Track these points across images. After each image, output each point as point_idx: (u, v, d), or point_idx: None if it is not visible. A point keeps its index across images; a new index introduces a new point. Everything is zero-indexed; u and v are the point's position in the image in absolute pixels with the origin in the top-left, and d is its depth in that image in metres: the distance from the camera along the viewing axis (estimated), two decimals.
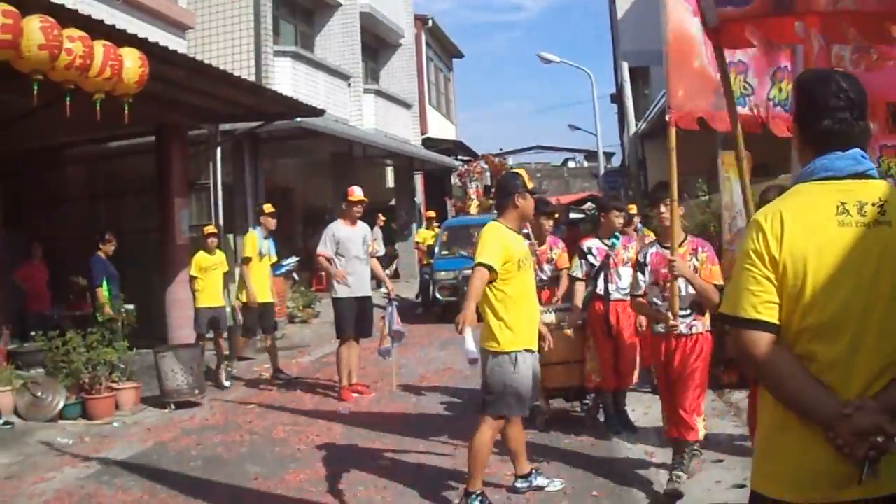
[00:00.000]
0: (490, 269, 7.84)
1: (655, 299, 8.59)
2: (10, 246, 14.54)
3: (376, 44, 35.98)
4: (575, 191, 62.46)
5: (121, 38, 11.31)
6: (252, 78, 22.25)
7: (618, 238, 10.98)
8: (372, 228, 22.93)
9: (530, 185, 8.36)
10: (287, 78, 24.52)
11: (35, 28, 9.64)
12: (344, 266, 13.34)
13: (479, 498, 7.91)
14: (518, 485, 8.50)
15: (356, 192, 13.79)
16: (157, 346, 13.86)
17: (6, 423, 11.65)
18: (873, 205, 3.30)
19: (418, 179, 38.77)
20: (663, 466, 9.01)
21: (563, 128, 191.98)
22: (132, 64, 11.18)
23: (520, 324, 7.98)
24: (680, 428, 8.39)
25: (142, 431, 11.89)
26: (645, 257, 8.76)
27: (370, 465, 9.72)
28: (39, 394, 12.13)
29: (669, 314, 8.11)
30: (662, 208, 8.56)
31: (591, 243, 11.07)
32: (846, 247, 3.27)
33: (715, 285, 8.12)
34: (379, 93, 33.09)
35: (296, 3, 29.16)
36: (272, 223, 15.65)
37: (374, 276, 14.38)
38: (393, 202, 36.31)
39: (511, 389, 7.89)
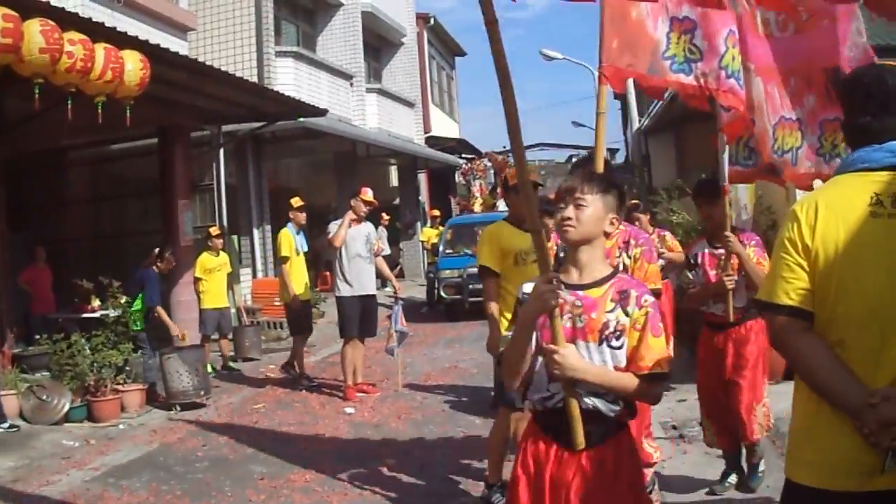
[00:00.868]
0: (485, 269, 8.03)
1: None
2: (14, 249, 14.53)
3: (378, 43, 35.96)
4: None
5: (122, 40, 11.33)
6: (254, 79, 22.26)
7: None
8: (377, 228, 23.02)
9: (533, 178, 8.29)
10: (289, 78, 24.52)
11: (35, 31, 9.66)
12: (347, 264, 13.33)
13: (500, 489, 7.93)
14: None
15: (369, 193, 13.82)
16: (162, 347, 13.84)
17: (12, 426, 11.65)
18: None
19: (422, 178, 38.79)
20: (669, 461, 9.01)
21: (567, 125, 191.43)
22: (133, 66, 11.20)
23: None
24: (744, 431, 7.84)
25: (147, 433, 11.89)
26: (696, 258, 8.08)
27: (376, 465, 9.72)
28: (45, 397, 12.13)
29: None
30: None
31: None
32: (878, 238, 3.27)
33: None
34: (381, 92, 33.08)
35: (297, 3, 29.16)
36: (302, 217, 15.45)
37: (379, 276, 14.38)
38: (397, 201, 36.30)
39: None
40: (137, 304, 13.93)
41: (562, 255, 9.29)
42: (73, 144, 19.46)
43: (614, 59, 6.34)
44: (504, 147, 50.12)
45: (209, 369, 15.27)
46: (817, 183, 6.88)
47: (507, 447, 8.10)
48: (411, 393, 13.70)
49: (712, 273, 7.87)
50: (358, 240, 13.51)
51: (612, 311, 4.24)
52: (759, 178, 8.34)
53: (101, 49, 10.66)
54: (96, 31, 10.90)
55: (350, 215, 13.31)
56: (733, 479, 8.09)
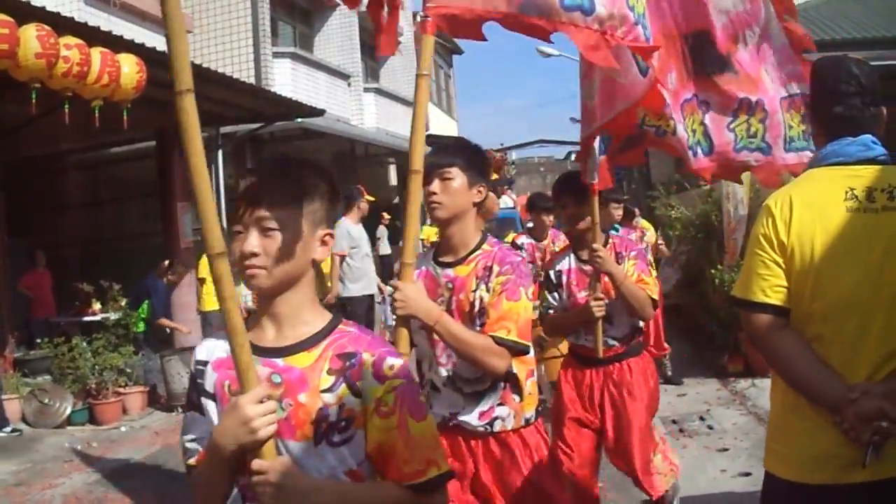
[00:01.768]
0: None
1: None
2: (14, 254, 14.56)
3: (375, 42, 35.90)
4: None
5: (118, 44, 11.35)
6: (252, 80, 22.25)
7: (617, 230, 10.96)
8: (377, 227, 22.91)
9: (494, 177, 8.11)
10: (287, 79, 24.52)
11: (31, 37, 9.69)
12: (357, 263, 13.32)
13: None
14: None
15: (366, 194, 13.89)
16: (163, 350, 13.87)
17: (14, 430, 11.69)
18: (882, 190, 3.33)
19: None
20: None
21: (565, 121, 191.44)
22: (130, 69, 11.22)
23: None
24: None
25: (149, 435, 11.93)
26: (558, 275, 6.45)
27: None
28: (47, 400, 12.18)
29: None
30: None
31: None
32: (853, 232, 3.31)
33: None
34: (379, 91, 33.06)
35: (294, 3, 29.12)
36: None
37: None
38: (396, 200, 36.32)
39: None
40: (143, 311, 13.98)
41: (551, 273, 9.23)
42: (72, 148, 19.46)
43: None
44: (502, 144, 50.13)
45: None
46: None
47: None
48: None
49: (580, 295, 6.22)
50: (365, 238, 13.55)
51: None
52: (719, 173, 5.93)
53: (97, 53, 10.69)
54: (92, 36, 10.93)
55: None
56: None
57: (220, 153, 20.70)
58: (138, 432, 12.16)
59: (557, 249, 11.81)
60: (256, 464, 2.61)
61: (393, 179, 36.95)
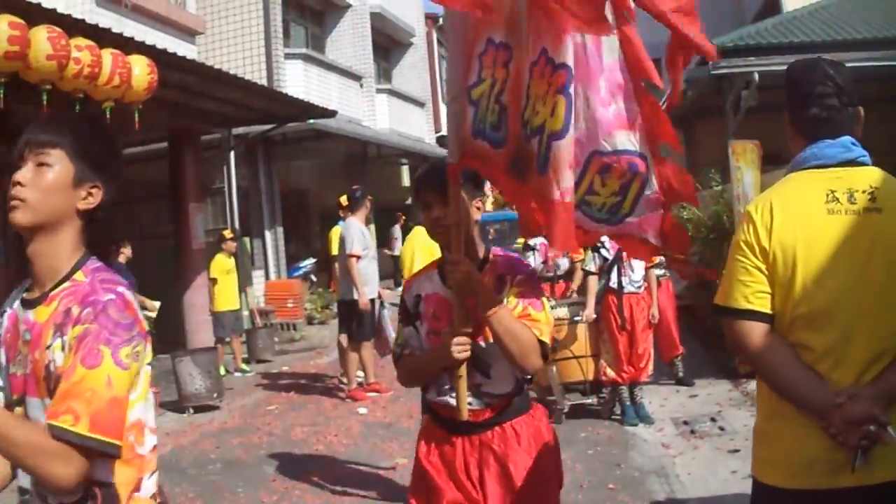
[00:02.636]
0: None
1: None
2: (24, 255, 14.57)
3: (388, 43, 35.96)
4: None
5: (129, 45, 11.37)
6: (263, 81, 22.28)
7: None
8: (392, 227, 22.91)
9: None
10: (299, 80, 24.55)
11: (42, 38, 9.70)
12: (366, 265, 13.24)
13: None
14: None
15: None
16: (175, 350, 13.88)
17: None
18: (863, 192, 3.31)
19: None
20: (680, 457, 9.04)
21: None
22: (141, 71, 11.23)
23: None
24: None
25: (160, 436, 11.86)
26: (416, 302, 4.52)
27: (388, 464, 9.80)
28: None
29: None
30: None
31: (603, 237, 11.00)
32: (836, 235, 3.28)
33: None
34: (392, 92, 33.11)
35: (305, 5, 29.17)
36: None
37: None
38: (409, 201, 36.34)
39: None
40: None
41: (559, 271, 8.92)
42: None
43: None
44: None
45: (222, 371, 15.38)
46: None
47: None
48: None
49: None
50: (372, 240, 13.55)
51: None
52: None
53: (108, 54, 10.70)
54: (103, 37, 10.94)
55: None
56: None
57: (232, 154, 20.78)
58: None
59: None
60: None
61: (405, 180, 37.02)
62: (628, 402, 10.82)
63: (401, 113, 33.20)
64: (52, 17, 10.16)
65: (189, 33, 20.29)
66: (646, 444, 9.88)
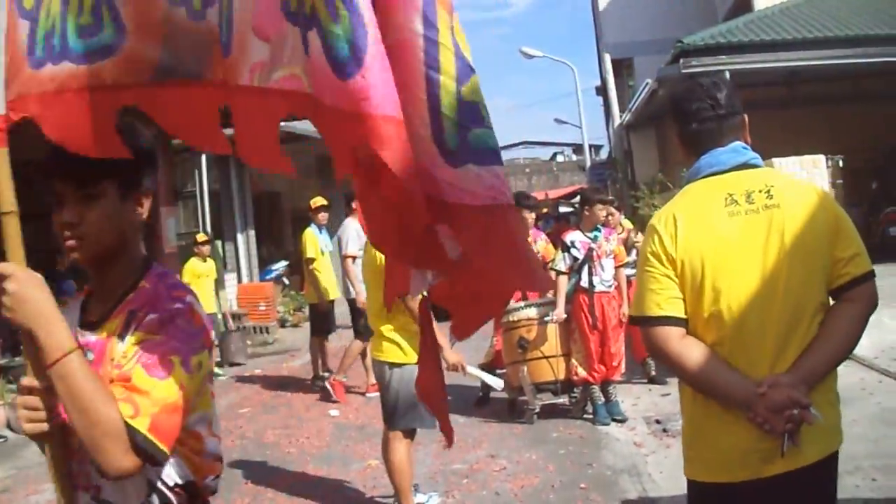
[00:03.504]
0: None
1: None
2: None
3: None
4: (564, 185, 62.31)
5: None
6: None
7: (600, 230, 10.97)
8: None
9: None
10: None
11: None
12: (359, 268, 13.41)
13: None
14: None
15: None
16: None
17: None
18: (760, 191, 3.47)
19: None
20: (652, 456, 9.07)
21: (551, 122, 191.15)
22: None
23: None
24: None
25: None
26: None
27: (360, 466, 9.79)
28: None
29: None
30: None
31: (573, 236, 11.04)
32: (737, 235, 3.44)
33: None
34: None
35: None
36: (323, 217, 15.16)
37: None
38: None
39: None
40: None
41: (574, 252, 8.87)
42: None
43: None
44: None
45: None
46: None
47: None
48: None
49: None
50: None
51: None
52: None
53: None
54: None
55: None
56: None
57: (203, 157, 20.73)
58: None
59: (540, 249, 11.88)
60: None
61: None
62: (600, 402, 10.84)
63: None
64: None
65: None
66: (618, 443, 9.90)
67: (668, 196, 15.49)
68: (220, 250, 22.11)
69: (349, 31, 2.22)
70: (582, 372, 10.82)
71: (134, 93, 2.76)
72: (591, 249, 10.71)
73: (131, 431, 2.41)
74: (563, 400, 11.37)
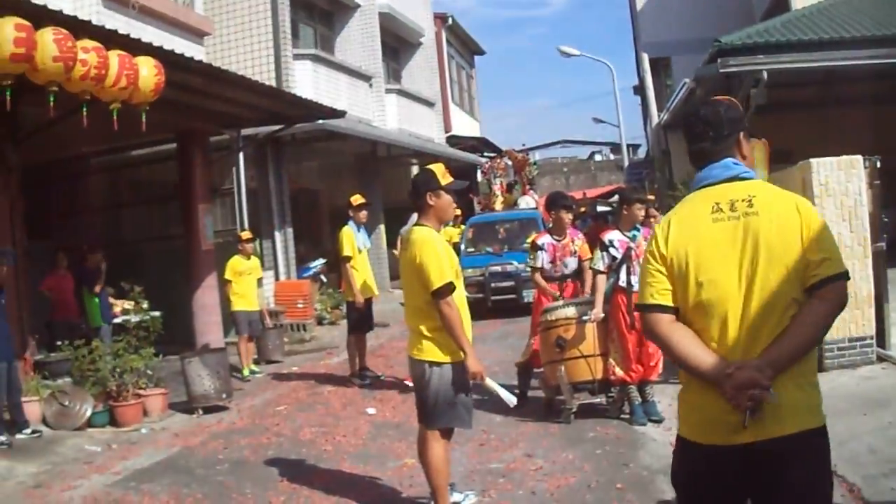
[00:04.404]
0: (454, 287, 7.46)
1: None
2: (35, 256, 14.56)
3: (397, 43, 35.97)
4: (602, 184, 62.30)
5: (136, 47, 11.37)
6: (272, 82, 22.28)
7: (638, 230, 10.91)
8: (401, 227, 23.05)
9: (445, 181, 7.80)
10: (308, 81, 24.55)
11: (49, 40, 9.72)
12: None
13: None
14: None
15: None
16: (184, 352, 13.89)
17: (34, 431, 11.71)
18: (742, 200, 4.03)
19: None
20: None
21: (588, 121, 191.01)
22: (148, 72, 11.25)
23: (467, 332, 7.55)
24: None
25: (169, 437, 11.93)
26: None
27: (396, 465, 9.79)
28: (66, 402, 12.19)
29: None
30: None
31: (612, 235, 10.98)
32: (718, 238, 4.00)
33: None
34: (401, 92, 33.11)
35: (314, 5, 29.16)
36: (363, 215, 15.30)
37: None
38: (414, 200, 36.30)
39: (462, 401, 7.60)
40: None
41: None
42: (92, 151, 19.53)
43: None
44: (524, 145, 49.90)
45: (246, 372, 15.80)
46: None
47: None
48: None
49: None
50: None
51: None
52: None
53: (114, 56, 10.71)
54: (110, 38, 10.95)
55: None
56: None
57: (241, 155, 20.76)
58: (158, 434, 12.17)
59: (577, 248, 11.85)
60: None
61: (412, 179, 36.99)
62: (637, 402, 10.78)
63: (410, 113, 33.20)
64: (59, 19, 10.18)
65: (197, 34, 20.32)
66: (654, 443, 9.83)
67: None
68: (258, 248, 22.16)
69: None
70: (619, 372, 10.76)
71: None
72: (629, 249, 10.64)
73: None
74: (600, 400, 11.32)
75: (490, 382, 7.65)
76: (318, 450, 10.75)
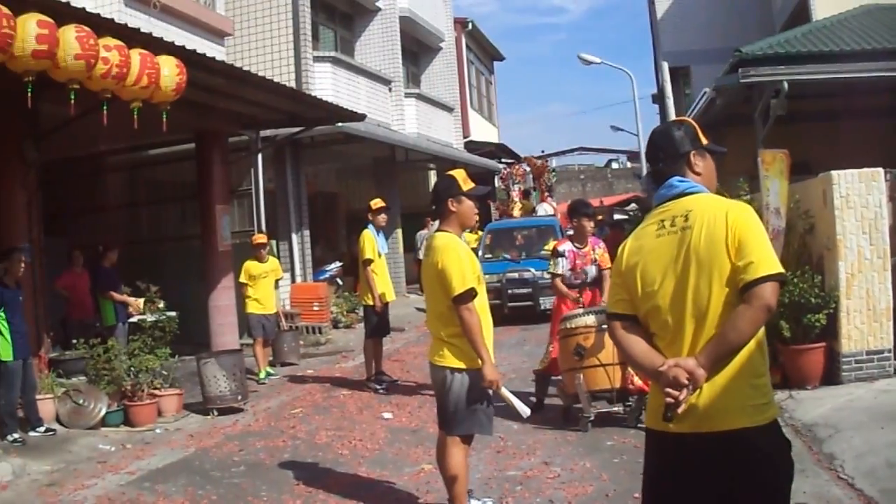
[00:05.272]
0: (475, 293, 7.39)
1: None
2: (51, 254, 14.53)
3: (416, 48, 35.98)
4: (619, 192, 62.29)
5: (158, 46, 11.35)
6: (292, 84, 22.28)
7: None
8: (419, 231, 22.94)
9: (467, 186, 7.74)
10: (328, 83, 24.53)
11: (71, 38, 9.69)
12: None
13: None
14: None
15: None
16: (200, 352, 13.86)
17: (48, 430, 11.69)
18: (681, 216, 4.38)
19: None
20: None
21: (606, 129, 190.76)
22: (170, 72, 11.23)
23: (488, 339, 7.53)
24: None
25: (184, 438, 11.90)
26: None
27: (413, 470, 9.75)
28: (81, 401, 12.17)
29: None
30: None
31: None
32: (662, 251, 4.37)
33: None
34: (420, 97, 33.07)
35: (335, 8, 29.19)
36: (382, 219, 15.28)
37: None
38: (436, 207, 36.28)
39: (483, 407, 7.55)
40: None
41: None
42: (111, 150, 19.54)
43: None
44: (542, 152, 49.84)
45: (262, 375, 15.89)
46: None
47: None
48: None
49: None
50: None
51: None
52: None
53: (136, 55, 10.69)
54: (132, 37, 10.92)
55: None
56: None
57: (259, 156, 20.74)
58: (173, 434, 12.14)
59: (597, 256, 11.83)
60: None
61: (432, 185, 37.00)
62: None
63: (429, 117, 33.16)
64: (81, 17, 10.15)
65: (218, 35, 20.33)
66: None
67: None
68: (275, 250, 22.14)
69: None
70: (638, 381, 10.69)
71: None
72: None
73: None
74: (618, 408, 11.24)
75: (505, 392, 7.60)
76: (335, 453, 10.70)
